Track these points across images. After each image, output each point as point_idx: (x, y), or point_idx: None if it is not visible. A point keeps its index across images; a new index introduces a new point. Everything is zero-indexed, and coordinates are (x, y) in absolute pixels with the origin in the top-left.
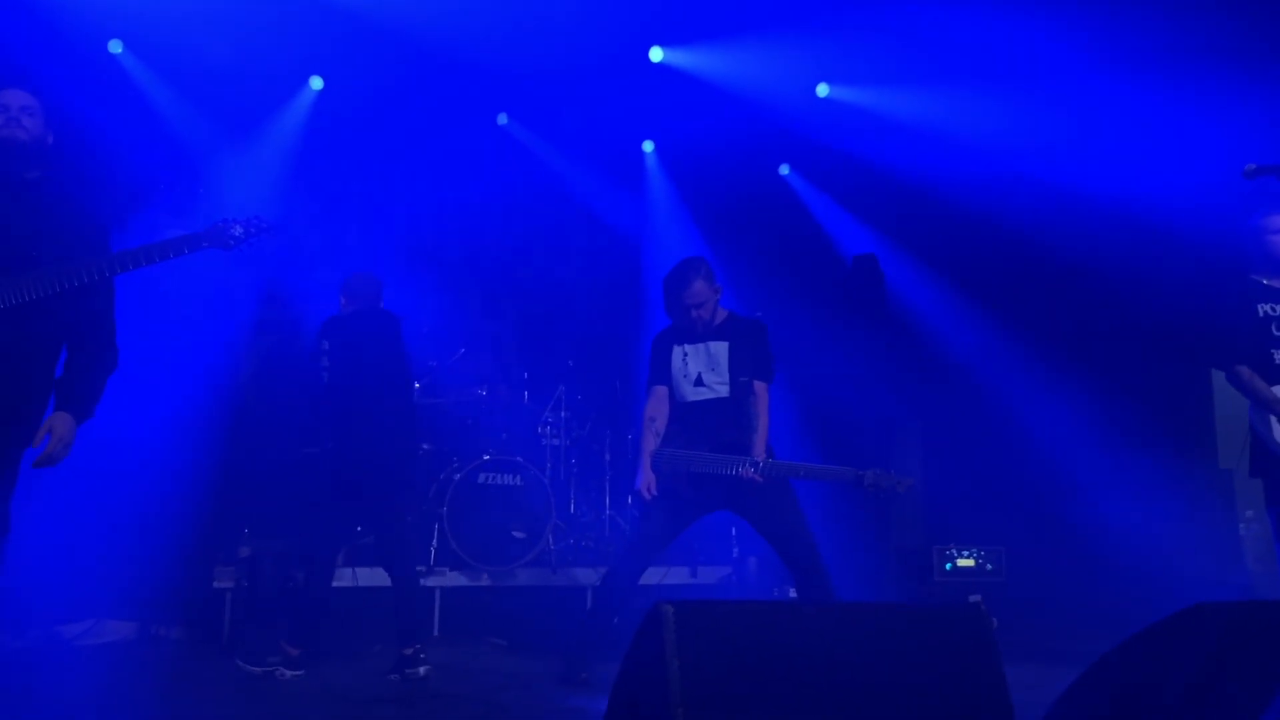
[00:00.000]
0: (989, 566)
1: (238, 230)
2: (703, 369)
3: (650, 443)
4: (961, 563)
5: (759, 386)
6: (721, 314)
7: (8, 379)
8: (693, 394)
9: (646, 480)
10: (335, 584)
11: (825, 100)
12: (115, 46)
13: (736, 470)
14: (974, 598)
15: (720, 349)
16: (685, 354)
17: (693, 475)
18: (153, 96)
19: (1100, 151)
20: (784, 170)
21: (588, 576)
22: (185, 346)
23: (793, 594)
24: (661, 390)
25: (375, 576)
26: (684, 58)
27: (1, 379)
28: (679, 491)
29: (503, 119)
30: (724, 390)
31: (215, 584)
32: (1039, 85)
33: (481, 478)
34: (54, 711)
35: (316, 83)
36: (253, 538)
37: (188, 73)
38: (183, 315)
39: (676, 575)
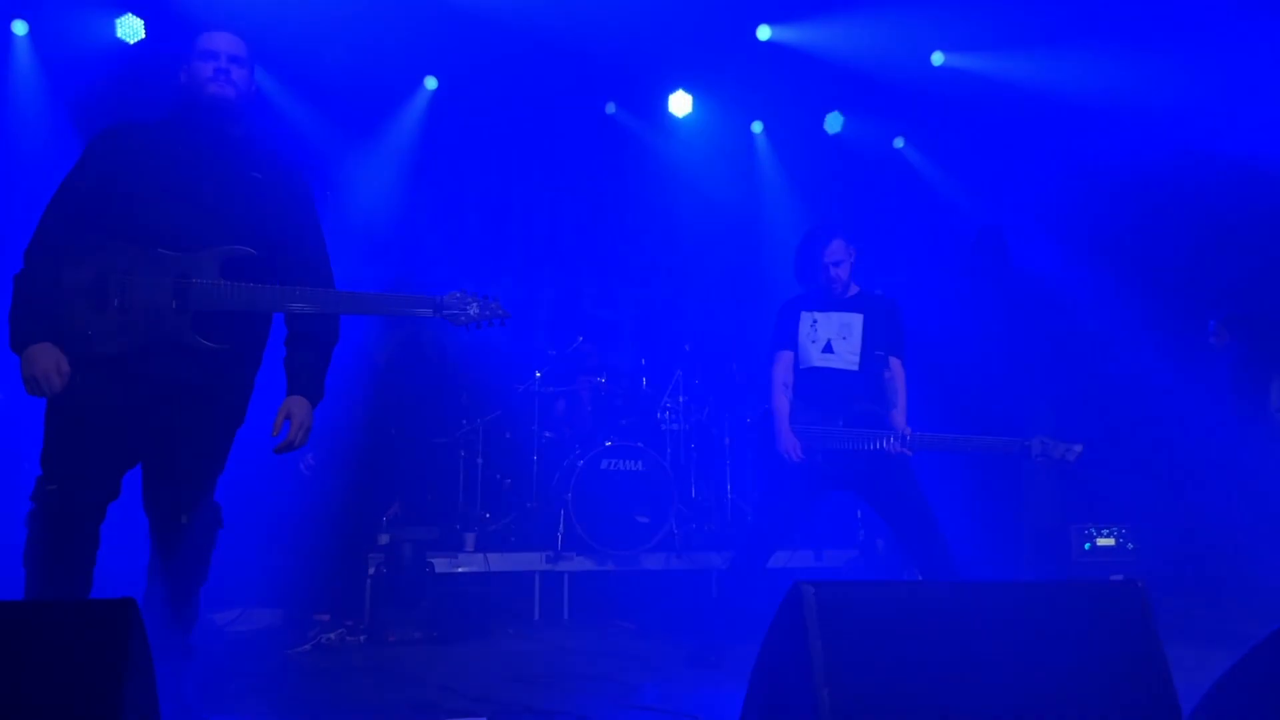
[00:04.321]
0: (1130, 545)
1: (474, 310)
2: (833, 336)
3: (785, 405)
4: (1101, 542)
5: (895, 363)
6: (854, 287)
7: (214, 366)
8: (819, 359)
9: (790, 443)
10: (465, 569)
11: (941, 69)
12: None
13: (880, 445)
14: (1115, 578)
15: (854, 320)
16: (815, 320)
17: (827, 451)
18: (277, 102)
19: (1248, 111)
20: (899, 143)
21: (712, 560)
22: None
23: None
24: (788, 355)
25: (505, 561)
26: (792, 34)
27: (208, 366)
28: (812, 467)
29: (611, 108)
30: (854, 362)
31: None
32: (1168, 41)
33: (604, 464)
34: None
35: (431, 82)
36: (392, 525)
37: (309, 79)
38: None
39: (801, 559)
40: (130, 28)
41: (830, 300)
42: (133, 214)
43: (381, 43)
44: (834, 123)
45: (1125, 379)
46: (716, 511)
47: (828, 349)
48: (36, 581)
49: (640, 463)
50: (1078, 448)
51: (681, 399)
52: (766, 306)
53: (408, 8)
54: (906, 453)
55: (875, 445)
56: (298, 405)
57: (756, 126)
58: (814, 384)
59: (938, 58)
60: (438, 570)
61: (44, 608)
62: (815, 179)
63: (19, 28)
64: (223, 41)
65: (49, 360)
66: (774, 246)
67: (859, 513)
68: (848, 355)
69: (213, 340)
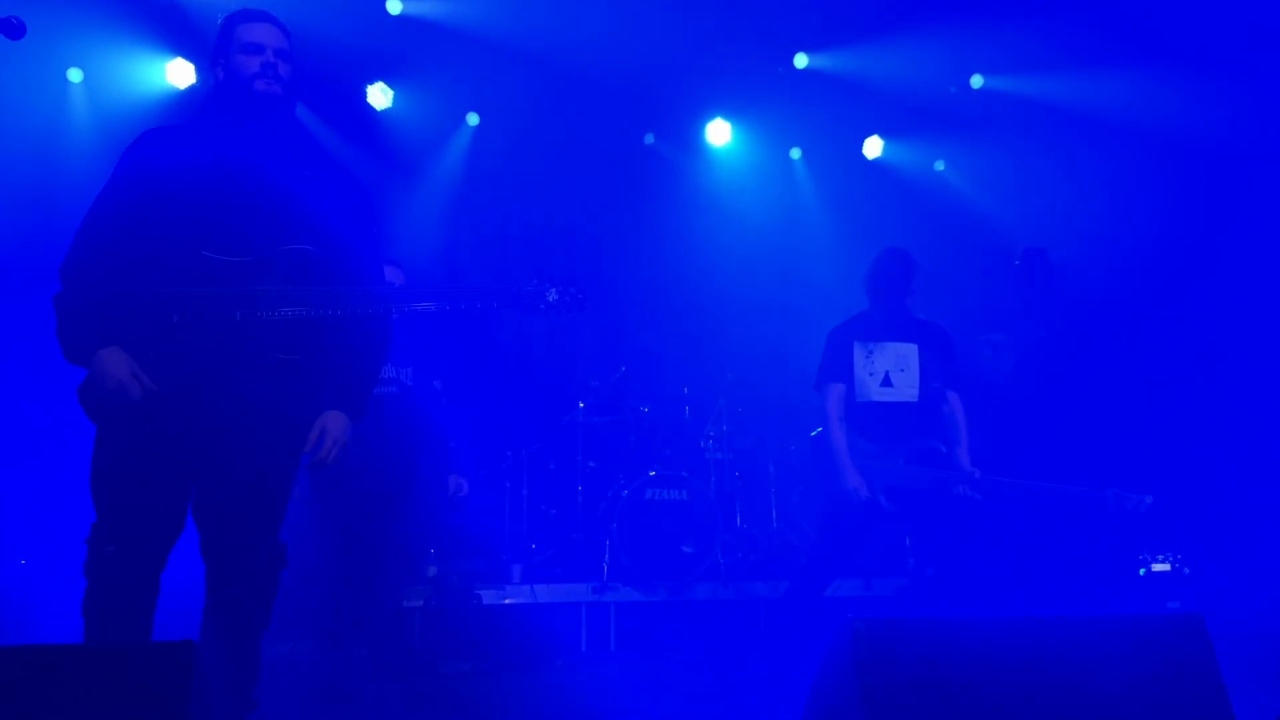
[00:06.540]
0: (1186, 571)
1: (552, 296)
2: (890, 368)
3: (844, 441)
4: (1156, 568)
5: (953, 396)
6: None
7: (286, 382)
8: (878, 394)
9: (855, 481)
10: (512, 600)
11: (981, 91)
12: None
13: (958, 490)
14: (1172, 605)
15: (910, 350)
16: (870, 351)
17: (889, 488)
18: (323, 141)
19: None
20: (939, 166)
21: (759, 589)
22: None
23: None
24: (839, 388)
25: (551, 593)
26: (829, 61)
27: (280, 382)
28: (872, 502)
29: (650, 139)
30: (913, 394)
31: (405, 604)
32: (1211, 60)
33: (649, 494)
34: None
35: (473, 119)
36: (438, 558)
37: (354, 118)
38: None
39: (849, 587)
40: (181, 73)
41: (885, 329)
42: (180, 221)
43: (424, 81)
44: (873, 147)
45: (1176, 404)
46: (762, 541)
47: (886, 382)
48: (96, 635)
49: (685, 492)
50: (1148, 499)
51: (725, 427)
52: (808, 333)
53: (449, 47)
54: (977, 497)
55: (943, 489)
56: (334, 420)
57: (795, 153)
58: (873, 418)
59: (977, 80)
60: (485, 602)
61: (103, 652)
62: (855, 204)
63: (74, 75)
64: (267, 34)
65: (123, 367)
66: (815, 273)
67: (907, 541)
68: (907, 388)
69: (283, 352)
